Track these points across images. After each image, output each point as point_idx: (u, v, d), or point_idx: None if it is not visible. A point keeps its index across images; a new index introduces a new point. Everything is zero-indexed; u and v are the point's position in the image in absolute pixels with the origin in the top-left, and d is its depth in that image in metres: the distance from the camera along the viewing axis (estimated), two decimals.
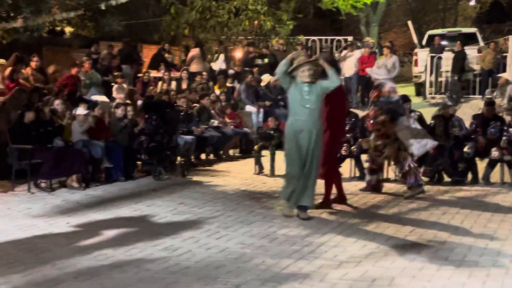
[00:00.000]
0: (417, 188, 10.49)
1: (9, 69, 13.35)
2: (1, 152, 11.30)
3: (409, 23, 25.93)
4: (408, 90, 21.74)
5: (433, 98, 21.24)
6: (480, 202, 10.30)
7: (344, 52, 21.27)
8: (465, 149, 11.58)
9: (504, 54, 22.01)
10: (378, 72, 11.20)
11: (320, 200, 9.68)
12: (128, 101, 13.61)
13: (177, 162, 12.89)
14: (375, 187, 11.00)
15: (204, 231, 8.35)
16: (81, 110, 11.93)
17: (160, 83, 17.61)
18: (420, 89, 22.91)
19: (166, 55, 20.27)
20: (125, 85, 14.76)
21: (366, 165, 11.30)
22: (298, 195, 8.89)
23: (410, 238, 8.03)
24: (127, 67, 18.35)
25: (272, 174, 12.66)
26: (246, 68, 19.76)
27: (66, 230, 8.42)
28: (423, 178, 11.02)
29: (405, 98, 11.51)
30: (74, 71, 14.65)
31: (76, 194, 10.79)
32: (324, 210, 9.54)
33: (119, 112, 12.54)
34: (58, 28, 22.16)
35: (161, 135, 12.44)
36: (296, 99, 8.95)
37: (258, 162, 13.06)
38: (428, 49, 22.78)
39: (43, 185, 11.09)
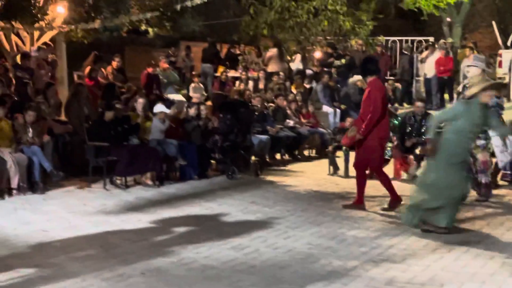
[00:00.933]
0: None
1: (88, 68, 13.65)
2: (78, 149, 11.57)
3: (494, 23, 25.33)
4: None
5: None
6: None
7: (425, 52, 20.95)
8: None
9: None
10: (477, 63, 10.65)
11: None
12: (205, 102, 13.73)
13: (251, 162, 12.92)
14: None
15: (273, 231, 8.34)
16: (162, 108, 12.07)
17: (237, 82, 17.71)
18: (505, 90, 22.34)
19: (239, 53, 20.35)
20: (201, 85, 14.90)
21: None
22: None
23: (484, 242, 7.83)
24: (210, 66, 18.52)
25: (346, 175, 12.55)
26: (324, 69, 19.66)
27: (137, 226, 8.54)
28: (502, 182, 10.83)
29: None
30: (150, 69, 14.87)
31: (150, 191, 10.93)
32: (397, 212, 9.42)
33: (192, 111, 12.66)
34: (143, 28, 22.53)
35: (235, 134, 12.50)
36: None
37: (333, 163, 12.98)
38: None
39: (118, 182, 11.27)
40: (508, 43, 23.34)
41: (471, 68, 9.79)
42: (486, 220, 9.13)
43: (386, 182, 9.73)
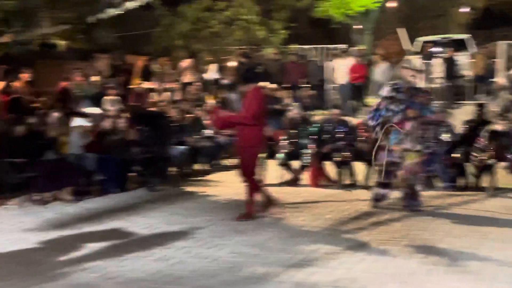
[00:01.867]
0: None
1: (2, 84, 13.38)
2: None
3: (401, 30, 26.03)
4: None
5: None
6: (471, 207, 10.35)
7: (338, 60, 21.35)
8: (455, 155, 11.64)
9: (495, 60, 22.18)
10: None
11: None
12: (121, 114, 13.64)
13: (170, 173, 12.92)
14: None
15: (197, 241, 8.39)
16: (80, 121, 11.95)
17: (153, 94, 17.63)
18: None
19: (155, 66, 20.28)
20: (117, 97, 14.80)
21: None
22: None
23: (401, 244, 8.06)
24: (114, 79, 18.35)
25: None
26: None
27: (58, 243, 8.45)
28: None
29: None
30: (64, 83, 14.68)
31: (70, 207, 10.80)
32: (318, 218, 9.61)
33: (110, 124, 12.59)
34: (53, 41, 22.19)
35: (154, 146, 12.49)
36: None
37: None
38: (420, 56, 22.85)
39: (35, 198, 11.10)
40: (415, 49, 24.06)
41: (403, 70, 10.04)
42: (401, 221, 9.39)
43: (253, 191, 9.73)
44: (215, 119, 10.33)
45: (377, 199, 10.31)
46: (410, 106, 9.80)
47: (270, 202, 9.85)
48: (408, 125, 9.80)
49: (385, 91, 10.01)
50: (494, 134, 11.94)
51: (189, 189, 12.46)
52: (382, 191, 10.23)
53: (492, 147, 11.56)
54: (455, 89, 21.44)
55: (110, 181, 11.94)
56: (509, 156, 11.50)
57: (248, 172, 9.71)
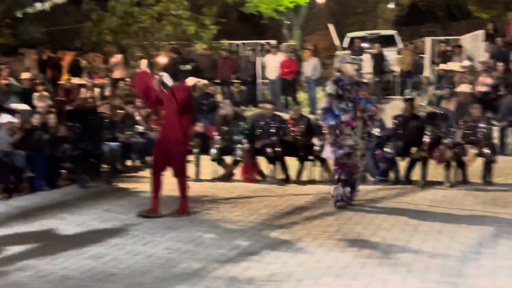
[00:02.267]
0: None
1: None
2: None
3: (330, 26, 26.29)
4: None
5: None
6: (402, 200, 10.54)
7: (268, 55, 21.44)
8: (386, 149, 11.83)
9: (422, 55, 22.64)
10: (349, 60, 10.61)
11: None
12: (50, 109, 13.42)
13: (102, 170, 12.78)
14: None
15: (130, 238, 8.32)
16: (8, 118, 11.69)
17: (83, 90, 17.44)
18: None
19: (84, 61, 20.04)
20: (46, 93, 14.56)
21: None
22: None
23: (335, 237, 8.16)
24: (42, 75, 18.07)
25: (197, 178, 12.69)
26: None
27: None
28: None
29: None
30: None
31: None
32: (252, 213, 9.65)
33: (39, 120, 12.36)
34: None
35: (85, 142, 12.33)
36: None
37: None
38: (349, 51, 23.14)
39: None
40: (344, 45, 24.36)
41: (346, 65, 10.06)
42: (334, 215, 9.51)
43: (186, 187, 9.75)
44: (137, 81, 10.06)
45: (340, 199, 10.01)
46: (357, 103, 9.87)
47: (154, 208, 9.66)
48: (357, 122, 9.88)
49: (330, 88, 9.92)
50: (431, 117, 12.22)
51: (121, 185, 12.35)
52: (342, 190, 10.01)
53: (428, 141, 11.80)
54: (384, 84, 21.81)
55: (40, 178, 11.72)
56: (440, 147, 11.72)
57: (182, 169, 9.66)
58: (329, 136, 9.92)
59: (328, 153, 10.13)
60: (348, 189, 10.03)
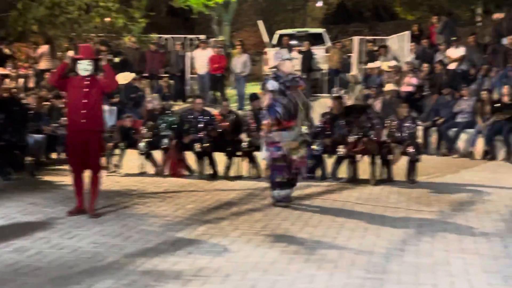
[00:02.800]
0: None
1: None
2: None
3: (259, 22, 26.38)
4: (259, 88, 22.18)
5: None
6: (329, 197, 10.66)
7: (197, 50, 21.39)
8: (314, 147, 11.95)
9: (350, 54, 22.94)
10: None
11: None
12: None
13: (26, 162, 12.55)
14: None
15: (56, 231, 8.19)
16: None
17: (6, 80, 17.06)
18: None
19: (8, 51, 19.58)
20: None
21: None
22: None
23: (262, 233, 8.20)
24: None
25: (122, 173, 12.60)
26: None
27: None
28: None
29: (254, 96, 11.96)
30: None
31: None
32: (180, 207, 9.62)
33: None
34: None
35: (9, 134, 12.07)
36: None
37: (111, 161, 12.94)
38: (278, 48, 23.27)
39: None
40: (274, 42, 24.47)
41: (285, 62, 10.01)
42: (262, 211, 9.56)
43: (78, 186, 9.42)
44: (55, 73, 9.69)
45: (279, 200, 9.90)
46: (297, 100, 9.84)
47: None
48: (295, 121, 9.83)
49: (271, 84, 9.75)
50: (349, 110, 12.41)
51: (46, 178, 12.16)
52: (281, 192, 9.90)
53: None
54: (312, 82, 21.99)
55: None
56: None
57: (99, 159, 9.44)
58: (267, 134, 9.76)
59: (265, 153, 9.91)
60: (287, 191, 9.92)
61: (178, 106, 19.14)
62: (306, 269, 6.70)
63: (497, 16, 19.96)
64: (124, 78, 18.16)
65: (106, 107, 16.96)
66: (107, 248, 7.46)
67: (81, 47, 9.62)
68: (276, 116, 9.65)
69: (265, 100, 9.92)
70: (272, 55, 10.33)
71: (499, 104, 15.40)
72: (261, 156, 10.43)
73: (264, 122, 9.76)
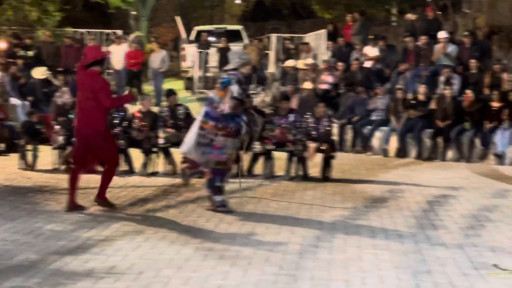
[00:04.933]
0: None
1: None
2: None
3: (177, 18, 26.28)
4: (177, 84, 22.14)
5: (201, 92, 21.67)
6: (245, 194, 10.67)
7: (113, 45, 21.13)
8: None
9: (267, 52, 23.07)
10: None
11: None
12: None
13: None
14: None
15: None
16: None
17: None
18: (189, 84, 23.30)
19: None
20: None
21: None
22: None
23: (177, 230, 8.16)
24: None
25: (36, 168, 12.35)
26: (10, 60, 18.99)
27: None
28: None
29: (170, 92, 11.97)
30: None
31: None
32: (93, 204, 9.47)
33: None
34: None
35: None
36: None
37: (24, 157, 12.65)
38: (196, 44, 23.24)
39: None
40: (191, 38, 24.43)
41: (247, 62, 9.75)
42: (177, 208, 9.51)
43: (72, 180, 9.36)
44: None
45: (220, 205, 9.36)
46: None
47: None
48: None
49: (235, 90, 9.04)
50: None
51: None
52: (220, 197, 9.37)
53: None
54: None
55: None
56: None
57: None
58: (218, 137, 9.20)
59: (216, 154, 9.24)
60: (224, 196, 9.44)
61: None
62: (220, 266, 6.69)
63: (410, 16, 20.39)
64: (40, 73, 17.81)
65: (18, 102, 16.68)
66: (18, 246, 7.29)
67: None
68: (238, 129, 9.20)
69: (227, 103, 9.10)
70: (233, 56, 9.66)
71: (414, 102, 15.73)
72: (181, 150, 10.03)
73: (219, 125, 9.15)
